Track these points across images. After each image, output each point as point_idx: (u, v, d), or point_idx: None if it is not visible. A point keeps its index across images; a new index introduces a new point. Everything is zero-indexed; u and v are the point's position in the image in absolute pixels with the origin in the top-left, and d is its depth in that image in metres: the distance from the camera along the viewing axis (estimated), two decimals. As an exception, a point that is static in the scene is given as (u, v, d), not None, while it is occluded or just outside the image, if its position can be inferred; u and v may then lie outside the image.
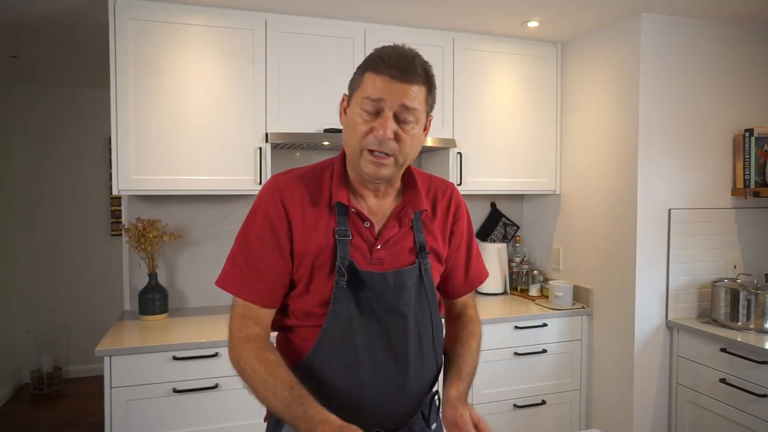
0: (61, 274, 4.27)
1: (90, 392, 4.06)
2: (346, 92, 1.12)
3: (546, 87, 2.97)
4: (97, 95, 4.26)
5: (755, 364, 2.16)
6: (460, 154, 2.78)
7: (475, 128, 2.83)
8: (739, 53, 2.63)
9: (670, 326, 2.57)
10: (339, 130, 2.54)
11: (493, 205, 3.28)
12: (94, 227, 4.35)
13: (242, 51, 2.46)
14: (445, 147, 2.74)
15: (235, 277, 1.11)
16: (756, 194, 2.53)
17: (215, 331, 2.32)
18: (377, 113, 1.03)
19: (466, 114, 2.81)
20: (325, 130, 2.53)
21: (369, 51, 2.59)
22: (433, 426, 1.22)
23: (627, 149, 2.55)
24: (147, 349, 2.13)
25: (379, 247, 1.12)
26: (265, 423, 1.26)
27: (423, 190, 1.18)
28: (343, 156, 1.15)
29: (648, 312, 2.55)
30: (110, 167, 3.85)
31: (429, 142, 2.64)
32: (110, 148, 2.59)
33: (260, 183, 2.50)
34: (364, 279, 1.08)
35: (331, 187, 1.12)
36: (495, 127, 2.87)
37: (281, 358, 1.08)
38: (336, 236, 1.09)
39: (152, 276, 2.56)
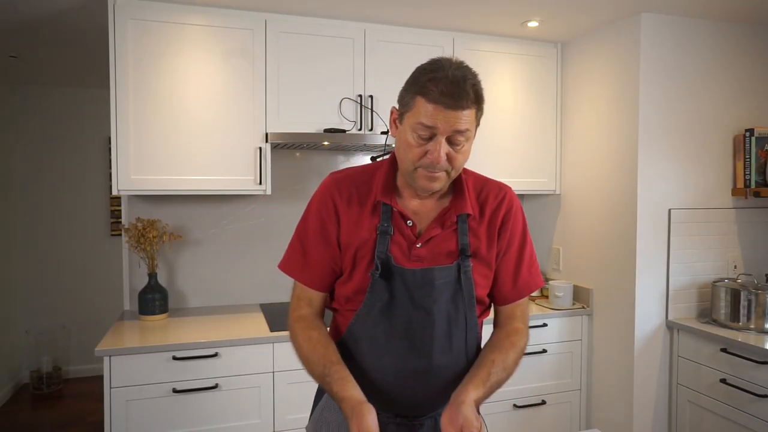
0: (61, 274, 4.27)
1: (90, 392, 4.06)
2: (396, 106, 1.16)
3: (546, 87, 2.97)
4: (97, 95, 4.26)
5: (755, 364, 2.16)
6: (460, 154, 2.77)
7: (475, 128, 2.82)
8: (739, 53, 2.63)
9: (670, 326, 2.57)
10: (339, 130, 2.54)
11: (493, 205, 3.27)
12: (94, 227, 4.35)
13: (242, 51, 2.46)
14: (445, 147, 2.74)
15: (293, 262, 1.25)
16: (756, 194, 2.53)
17: (215, 331, 2.32)
18: (430, 137, 1.07)
19: (466, 114, 2.80)
20: (325, 130, 2.53)
21: (369, 51, 2.63)
22: None
23: (627, 149, 2.55)
24: (147, 349, 2.13)
25: (419, 245, 1.17)
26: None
27: (473, 194, 1.22)
28: (393, 160, 1.22)
29: (648, 312, 2.55)
30: (110, 167, 3.85)
31: (429, 142, 2.64)
32: (110, 148, 2.58)
33: (260, 183, 2.50)
34: (395, 273, 1.16)
35: (376, 187, 1.20)
36: (495, 127, 2.87)
37: (326, 335, 1.20)
38: (378, 231, 1.17)
39: (152, 276, 2.56)
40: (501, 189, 1.27)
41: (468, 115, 1.07)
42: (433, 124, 1.05)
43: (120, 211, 3.54)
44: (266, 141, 2.50)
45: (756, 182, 2.55)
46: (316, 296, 1.25)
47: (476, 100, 1.08)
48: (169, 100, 2.39)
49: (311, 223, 1.22)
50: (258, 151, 2.49)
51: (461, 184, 1.22)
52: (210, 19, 2.42)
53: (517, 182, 2.93)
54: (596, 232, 2.75)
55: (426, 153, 1.07)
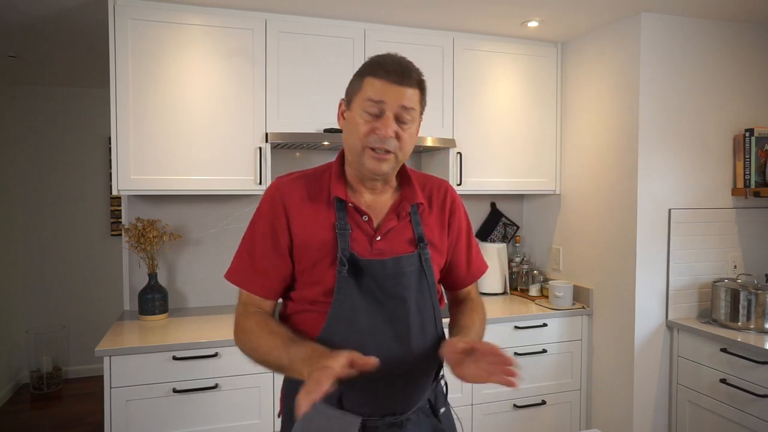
0: (61, 274, 4.27)
1: (90, 392, 4.07)
2: (343, 97, 1.20)
3: (546, 87, 2.97)
4: (97, 95, 4.26)
5: (755, 364, 2.16)
6: (460, 154, 2.78)
7: (475, 128, 2.83)
8: (739, 53, 2.63)
9: (670, 326, 2.57)
10: (339, 130, 2.54)
11: (493, 205, 3.28)
12: (94, 227, 4.35)
13: (242, 51, 2.46)
14: (445, 147, 2.74)
15: (240, 271, 1.22)
16: (756, 194, 2.53)
17: (215, 331, 2.32)
18: (378, 114, 1.12)
19: (466, 114, 2.81)
20: (325, 130, 2.53)
21: (369, 51, 2.63)
22: (442, 410, 1.28)
23: (627, 149, 2.55)
24: (147, 349, 2.13)
25: (378, 238, 1.19)
26: (280, 417, 1.30)
27: (418, 186, 1.26)
28: (341, 157, 1.25)
29: (648, 312, 2.55)
30: (110, 167, 3.85)
31: (429, 142, 2.64)
32: (110, 148, 2.58)
33: (260, 183, 2.50)
34: (364, 267, 1.15)
35: (329, 184, 1.20)
36: (495, 127, 2.87)
37: (286, 329, 1.17)
38: (336, 230, 1.17)
39: (152, 276, 2.56)
40: (441, 182, 1.34)
41: (413, 94, 1.14)
42: (382, 98, 1.11)
43: (120, 211, 3.54)
44: (266, 141, 2.50)
45: (756, 182, 2.55)
46: (266, 304, 1.22)
47: (420, 85, 1.16)
48: (169, 100, 2.39)
49: (260, 229, 1.20)
50: (258, 151, 2.49)
51: (407, 176, 1.27)
52: (210, 19, 2.42)
53: (517, 182, 2.93)
54: (596, 232, 2.75)
55: (374, 129, 1.12)
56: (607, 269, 2.68)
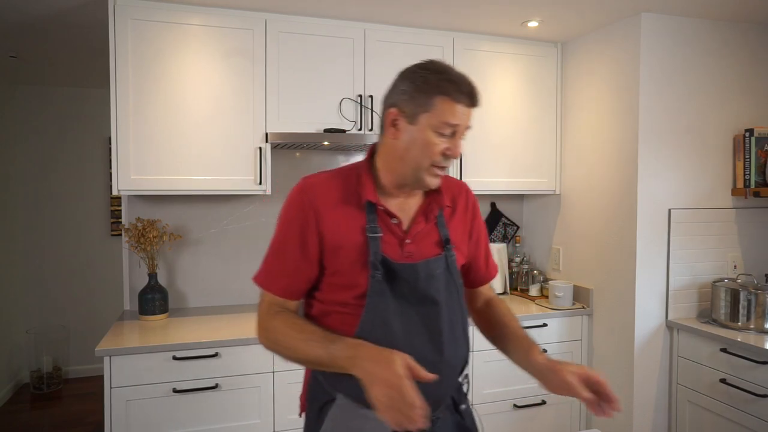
0: (61, 274, 4.27)
1: (90, 392, 4.07)
2: (396, 107, 1.16)
3: (546, 87, 2.97)
4: (97, 95, 4.26)
5: (755, 364, 2.16)
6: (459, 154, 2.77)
7: (474, 128, 2.79)
8: (739, 53, 2.63)
9: (670, 326, 2.57)
10: (339, 130, 2.54)
11: (493, 205, 3.28)
12: (94, 227, 4.35)
13: (242, 51, 2.46)
14: (445, 147, 2.74)
15: (271, 275, 1.22)
16: (756, 194, 2.53)
17: (215, 331, 2.32)
18: (450, 135, 1.14)
19: (466, 114, 2.80)
20: (325, 130, 2.53)
21: (369, 51, 2.63)
22: (463, 407, 1.30)
23: (627, 149, 2.55)
24: (147, 349, 2.13)
25: (408, 241, 1.21)
26: (302, 416, 1.31)
27: (443, 189, 1.27)
28: (370, 159, 1.24)
29: (648, 312, 2.55)
30: (110, 167, 3.85)
31: (429, 142, 2.64)
32: (110, 148, 2.59)
33: (260, 183, 2.50)
34: (397, 271, 1.16)
35: (360, 187, 1.20)
36: (495, 126, 2.87)
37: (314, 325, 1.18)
38: (367, 233, 1.17)
39: (152, 276, 2.56)
40: (460, 184, 1.37)
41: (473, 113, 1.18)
42: (458, 122, 1.13)
43: (120, 211, 3.54)
44: (266, 141, 2.50)
45: (756, 182, 2.55)
46: (290, 305, 1.22)
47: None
48: (170, 100, 2.39)
49: (288, 231, 1.19)
50: (258, 151, 2.49)
51: None
52: (210, 19, 2.42)
53: (517, 182, 2.94)
54: (596, 232, 2.75)
55: (448, 150, 1.14)
56: (607, 269, 2.68)
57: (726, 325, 2.42)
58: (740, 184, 2.60)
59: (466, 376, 1.33)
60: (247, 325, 2.42)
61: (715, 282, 2.52)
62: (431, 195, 1.25)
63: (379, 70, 2.64)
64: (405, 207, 1.23)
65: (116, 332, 2.32)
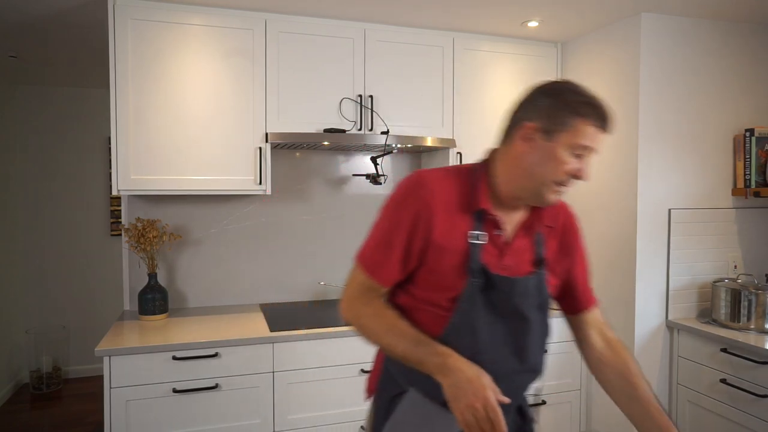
0: (61, 274, 4.27)
1: (90, 392, 4.06)
2: (533, 121, 1.14)
3: (546, 87, 2.96)
4: (97, 95, 4.26)
5: (755, 364, 2.16)
6: (459, 154, 2.78)
7: (475, 128, 2.83)
8: (739, 53, 2.63)
9: (670, 326, 2.57)
10: (339, 130, 2.54)
11: (493, 205, 3.28)
12: (94, 227, 4.35)
13: (242, 51, 2.46)
14: (444, 147, 2.74)
15: (370, 258, 1.22)
16: (756, 194, 2.53)
17: (215, 331, 2.32)
18: (580, 156, 1.15)
19: (466, 114, 2.81)
20: (325, 130, 2.53)
21: (369, 51, 2.63)
22: (526, 412, 1.32)
23: (627, 149, 2.55)
24: (147, 349, 2.13)
25: (508, 254, 1.21)
26: (370, 399, 1.35)
27: (546, 208, 1.27)
28: (487, 166, 1.23)
29: (648, 312, 2.55)
30: (110, 167, 3.85)
31: (429, 141, 2.64)
32: (110, 148, 2.58)
33: (260, 183, 2.50)
34: (495, 281, 1.17)
35: (476, 193, 1.20)
36: (495, 127, 2.87)
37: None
38: (471, 239, 1.17)
39: (152, 276, 2.56)
40: (564, 205, 1.35)
41: None
42: (592, 145, 1.14)
43: (120, 211, 3.54)
44: (266, 141, 2.50)
45: (756, 182, 2.55)
46: (382, 291, 1.24)
47: None
48: (170, 100, 2.39)
49: (398, 220, 1.18)
50: (258, 151, 2.49)
51: None
52: (210, 19, 2.42)
53: (517, 182, 2.93)
54: (596, 232, 2.75)
55: (578, 171, 1.15)
56: (607, 269, 2.68)
57: (726, 325, 2.42)
58: (740, 184, 2.60)
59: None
60: (247, 325, 2.42)
61: (715, 282, 2.52)
62: (535, 211, 1.25)
63: (379, 70, 2.64)
64: (509, 219, 1.23)
65: (116, 332, 2.31)
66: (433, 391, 1.14)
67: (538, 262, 1.24)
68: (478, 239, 1.17)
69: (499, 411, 1.03)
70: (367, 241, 1.24)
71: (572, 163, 1.14)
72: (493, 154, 1.24)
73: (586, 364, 1.36)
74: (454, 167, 1.26)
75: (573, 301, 1.36)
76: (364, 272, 1.22)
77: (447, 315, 1.17)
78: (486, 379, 1.06)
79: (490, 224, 1.19)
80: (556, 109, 1.13)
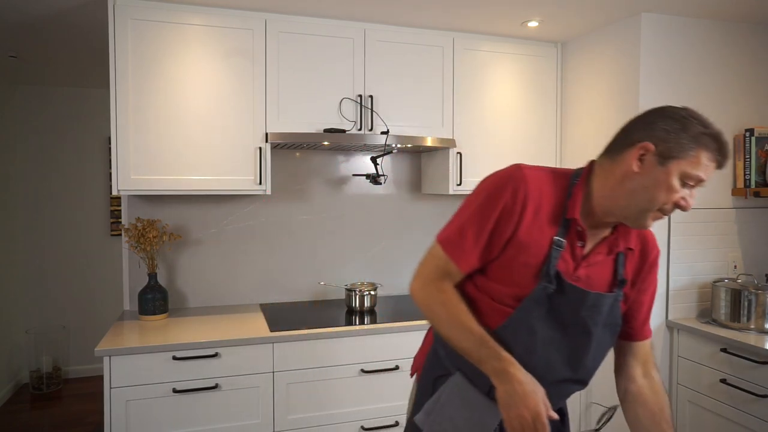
0: (61, 274, 4.27)
1: (90, 392, 4.07)
2: (648, 142, 1.10)
3: (546, 87, 2.97)
4: (97, 95, 4.26)
5: (755, 364, 2.16)
6: (459, 154, 2.78)
7: (475, 128, 2.83)
8: (739, 53, 2.63)
9: (671, 326, 2.57)
10: (339, 130, 2.54)
11: (493, 205, 3.27)
12: (94, 227, 4.35)
13: (242, 51, 2.46)
14: (444, 147, 2.74)
15: (455, 242, 1.20)
16: (756, 194, 2.53)
17: (215, 331, 2.32)
18: (687, 186, 1.12)
19: (466, 114, 2.81)
20: (325, 130, 2.53)
21: (369, 51, 2.63)
22: (565, 414, 1.36)
23: (627, 149, 2.55)
24: (147, 349, 2.13)
25: (583, 266, 1.20)
26: (414, 377, 1.39)
27: (634, 231, 1.25)
28: (586, 177, 1.21)
29: (648, 312, 2.55)
30: (110, 167, 3.85)
31: (429, 142, 2.64)
32: (110, 148, 2.58)
33: (260, 183, 2.50)
34: (567, 290, 1.16)
35: (570, 201, 1.18)
36: (495, 127, 2.87)
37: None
38: (553, 245, 1.16)
39: (152, 276, 2.56)
40: (650, 233, 1.31)
41: None
42: (705, 178, 1.10)
43: (120, 211, 3.55)
44: (266, 141, 2.50)
45: (756, 182, 2.55)
46: (460, 277, 1.23)
47: None
48: (170, 100, 2.39)
49: (491, 209, 1.17)
50: (258, 151, 2.49)
51: None
52: (210, 19, 2.42)
53: (517, 182, 2.93)
54: (596, 232, 2.75)
55: (682, 201, 1.11)
56: (607, 269, 2.68)
57: (726, 325, 2.42)
58: (740, 184, 2.60)
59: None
60: (247, 325, 2.42)
61: (715, 282, 2.52)
62: (621, 231, 1.22)
63: (379, 70, 2.64)
64: (593, 232, 1.21)
65: (116, 332, 2.31)
66: (478, 378, 1.18)
67: (619, 283, 1.22)
68: (559, 246, 1.16)
69: (548, 426, 1.06)
70: (451, 223, 1.22)
71: (681, 193, 1.10)
72: (595, 165, 1.20)
73: (616, 390, 1.34)
74: (555, 170, 1.25)
75: (628, 328, 1.31)
76: (446, 254, 1.20)
77: (508, 310, 1.17)
78: (541, 394, 1.09)
79: (575, 234, 1.18)
80: (678, 136, 1.09)
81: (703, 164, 1.09)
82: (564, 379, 1.21)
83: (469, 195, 1.23)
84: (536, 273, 1.16)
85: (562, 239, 1.16)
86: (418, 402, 1.31)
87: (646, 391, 1.29)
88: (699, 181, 1.10)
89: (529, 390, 1.09)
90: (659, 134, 1.10)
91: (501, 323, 1.17)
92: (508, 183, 1.17)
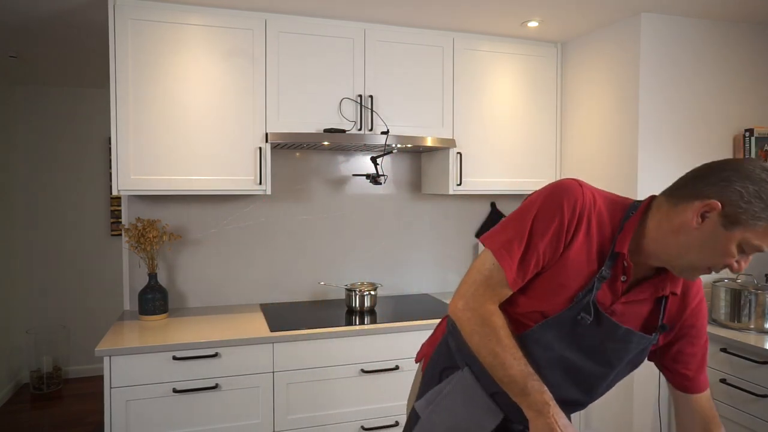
0: (61, 274, 4.27)
1: (90, 392, 4.07)
2: (717, 200, 1.02)
3: (546, 87, 2.97)
4: (97, 95, 4.26)
5: (755, 364, 2.16)
6: (459, 154, 2.78)
7: (475, 128, 2.83)
8: (739, 53, 2.63)
9: (670, 326, 2.57)
10: (339, 130, 2.54)
11: (493, 205, 3.28)
12: (94, 227, 4.35)
13: (242, 51, 2.46)
14: (444, 147, 2.74)
15: (509, 255, 1.12)
16: (756, 194, 2.53)
17: (215, 331, 2.32)
18: (745, 253, 1.05)
19: (466, 114, 2.81)
20: (325, 130, 2.53)
21: (369, 51, 2.63)
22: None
23: (627, 149, 2.55)
24: (147, 349, 2.13)
25: (622, 301, 1.15)
26: (419, 363, 1.40)
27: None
28: (643, 212, 1.14)
29: (648, 312, 2.55)
30: (110, 167, 3.85)
31: (429, 142, 2.64)
32: (110, 148, 2.58)
33: (260, 183, 2.50)
34: (603, 322, 1.13)
35: (621, 234, 1.12)
36: (495, 127, 2.87)
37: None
38: (597, 275, 1.12)
39: (152, 276, 2.56)
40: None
41: None
42: (764, 251, 1.04)
43: (120, 211, 3.54)
44: (266, 141, 2.50)
45: (756, 182, 2.55)
46: (506, 293, 1.15)
47: None
48: (169, 100, 2.39)
49: (549, 223, 1.10)
50: (258, 151, 2.49)
51: None
52: (210, 19, 2.42)
53: (517, 182, 2.93)
54: (596, 232, 2.75)
55: (734, 264, 1.05)
56: (607, 269, 2.68)
57: (726, 325, 2.42)
58: (740, 184, 2.59)
59: None
60: (247, 325, 2.42)
61: (715, 282, 2.52)
62: (670, 274, 1.15)
63: (379, 70, 2.64)
64: (637, 270, 1.15)
65: (116, 332, 2.32)
66: (483, 376, 1.17)
67: (660, 327, 1.18)
68: (605, 278, 1.12)
69: None
70: (504, 233, 1.14)
71: (734, 257, 1.04)
72: (654, 204, 1.14)
73: None
74: (614, 197, 1.19)
75: (682, 380, 1.26)
76: (505, 272, 1.12)
77: (529, 324, 1.15)
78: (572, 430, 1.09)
79: (620, 269, 1.13)
80: (751, 204, 1.00)
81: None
82: (570, 400, 1.20)
83: (523, 206, 1.16)
84: (571, 296, 1.12)
85: (608, 271, 1.12)
86: (423, 390, 1.31)
87: None
88: (758, 251, 1.03)
89: (567, 424, 1.09)
90: (731, 196, 1.00)
91: (520, 332, 1.15)
92: (569, 202, 1.11)
